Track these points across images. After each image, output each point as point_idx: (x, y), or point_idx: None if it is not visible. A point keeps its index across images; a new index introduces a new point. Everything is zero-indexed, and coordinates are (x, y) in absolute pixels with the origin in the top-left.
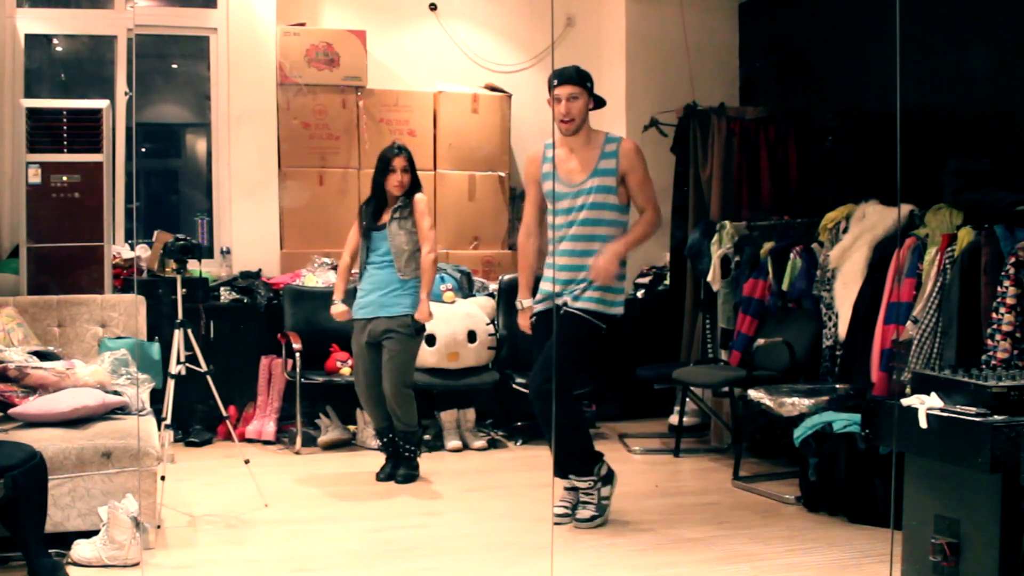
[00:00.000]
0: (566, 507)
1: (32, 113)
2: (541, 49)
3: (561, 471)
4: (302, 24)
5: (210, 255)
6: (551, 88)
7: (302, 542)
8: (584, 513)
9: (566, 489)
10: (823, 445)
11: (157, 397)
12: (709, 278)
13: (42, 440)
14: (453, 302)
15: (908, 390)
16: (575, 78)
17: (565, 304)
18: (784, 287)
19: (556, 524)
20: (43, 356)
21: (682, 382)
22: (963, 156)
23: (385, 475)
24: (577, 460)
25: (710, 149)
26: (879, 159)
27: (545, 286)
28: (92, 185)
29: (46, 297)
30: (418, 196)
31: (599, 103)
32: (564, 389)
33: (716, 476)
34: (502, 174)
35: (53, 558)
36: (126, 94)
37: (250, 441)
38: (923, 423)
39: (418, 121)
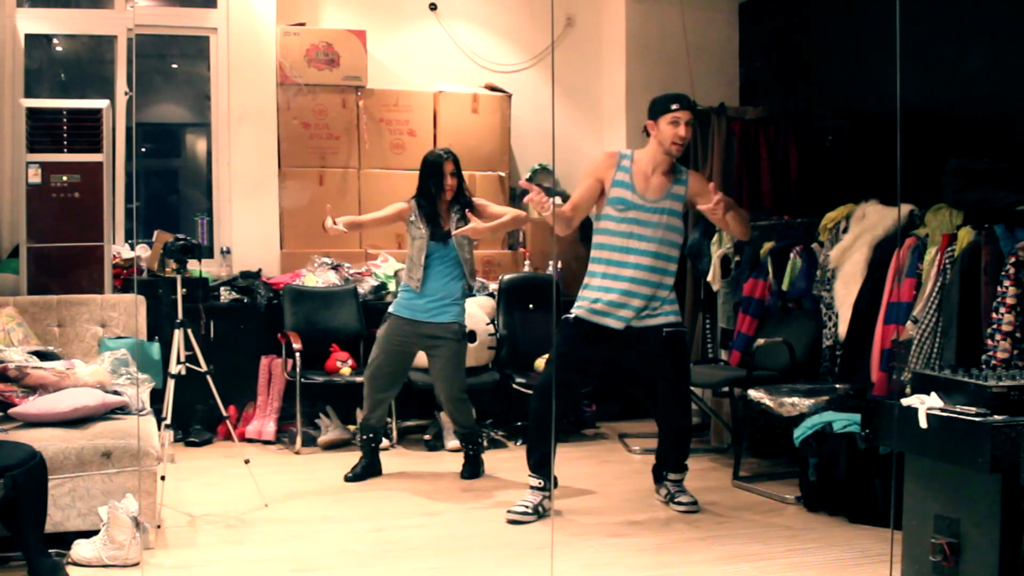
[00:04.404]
0: (526, 507)
1: (32, 113)
2: (541, 49)
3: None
4: (302, 24)
5: (210, 255)
6: (667, 110)
7: (302, 542)
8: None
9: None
10: (823, 445)
11: (157, 397)
12: (709, 278)
13: (42, 440)
14: None
15: (908, 390)
16: (691, 105)
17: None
18: (784, 287)
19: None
20: (43, 356)
21: None
22: (963, 156)
23: (353, 475)
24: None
25: (710, 149)
26: (879, 159)
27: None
28: (92, 185)
29: (46, 297)
30: (478, 201)
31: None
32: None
33: (716, 476)
34: (502, 174)
35: (53, 558)
36: (126, 94)
37: (250, 441)
38: (923, 423)
39: (418, 121)
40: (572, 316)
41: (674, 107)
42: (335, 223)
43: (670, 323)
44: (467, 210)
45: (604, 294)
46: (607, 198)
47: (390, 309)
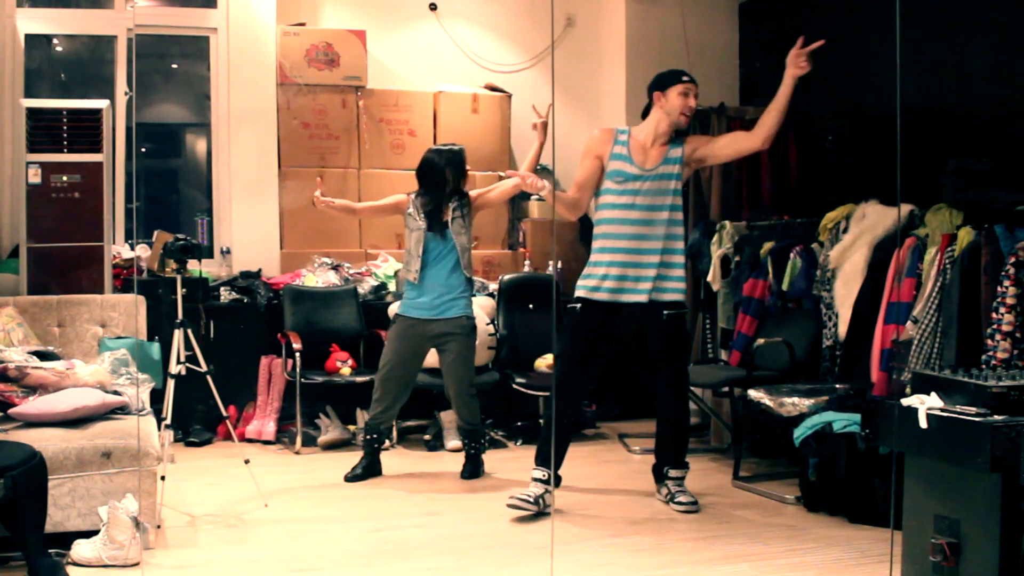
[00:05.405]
0: (528, 496)
1: (32, 113)
2: (541, 49)
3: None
4: (302, 24)
5: (210, 255)
6: (678, 81)
7: (302, 542)
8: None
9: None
10: (823, 445)
11: (157, 397)
12: (709, 278)
13: (42, 440)
14: None
15: (908, 390)
16: (695, 79)
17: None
18: (784, 287)
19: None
20: (43, 356)
21: None
22: (963, 156)
23: (353, 475)
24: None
25: None
26: (879, 159)
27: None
28: (92, 185)
29: (46, 297)
30: (473, 194)
31: None
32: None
33: (716, 476)
34: (502, 174)
35: (53, 558)
36: (126, 94)
37: (250, 441)
38: (923, 423)
39: (418, 121)
40: (578, 304)
41: (685, 79)
42: (323, 194)
43: (671, 302)
44: (466, 206)
45: (611, 268)
46: (606, 173)
47: (398, 311)
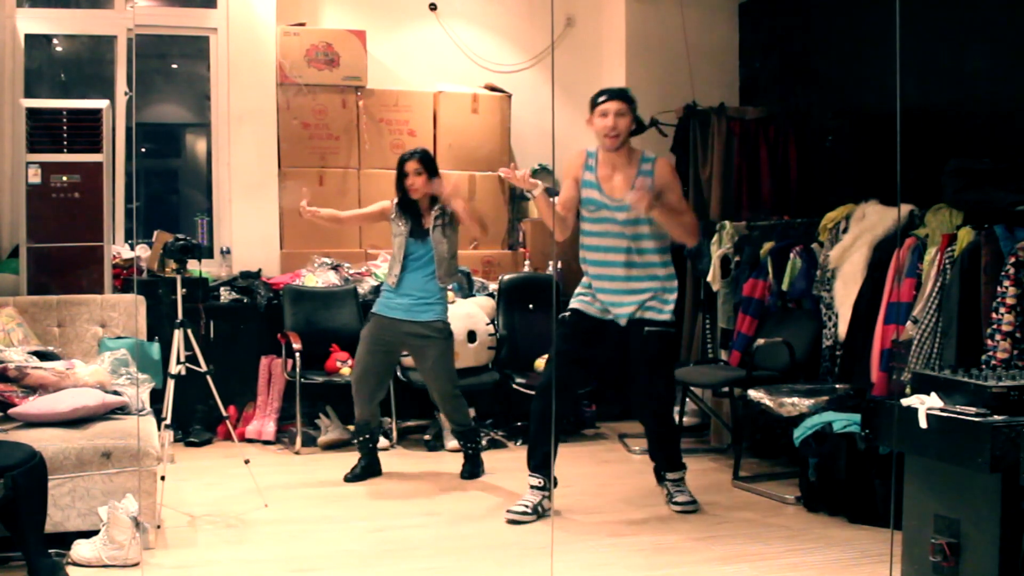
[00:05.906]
0: (526, 506)
1: (32, 113)
2: (541, 49)
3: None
4: (302, 24)
5: (210, 255)
6: (595, 104)
7: (302, 542)
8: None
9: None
10: (823, 445)
11: (157, 397)
12: (709, 278)
13: (42, 440)
14: (453, 302)
15: (908, 390)
16: (623, 95)
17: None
18: (784, 287)
19: (514, 522)
20: (43, 356)
21: (682, 382)
22: (963, 156)
23: (352, 475)
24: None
25: (710, 149)
26: (879, 159)
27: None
28: (92, 185)
29: (46, 297)
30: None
31: (640, 127)
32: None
33: (716, 476)
34: (501, 174)
35: (53, 558)
36: (126, 94)
37: (250, 441)
38: (923, 423)
39: (418, 121)
40: (568, 313)
41: (601, 99)
42: (309, 204)
43: (655, 321)
44: (448, 215)
45: (596, 292)
46: (581, 199)
47: (372, 309)
